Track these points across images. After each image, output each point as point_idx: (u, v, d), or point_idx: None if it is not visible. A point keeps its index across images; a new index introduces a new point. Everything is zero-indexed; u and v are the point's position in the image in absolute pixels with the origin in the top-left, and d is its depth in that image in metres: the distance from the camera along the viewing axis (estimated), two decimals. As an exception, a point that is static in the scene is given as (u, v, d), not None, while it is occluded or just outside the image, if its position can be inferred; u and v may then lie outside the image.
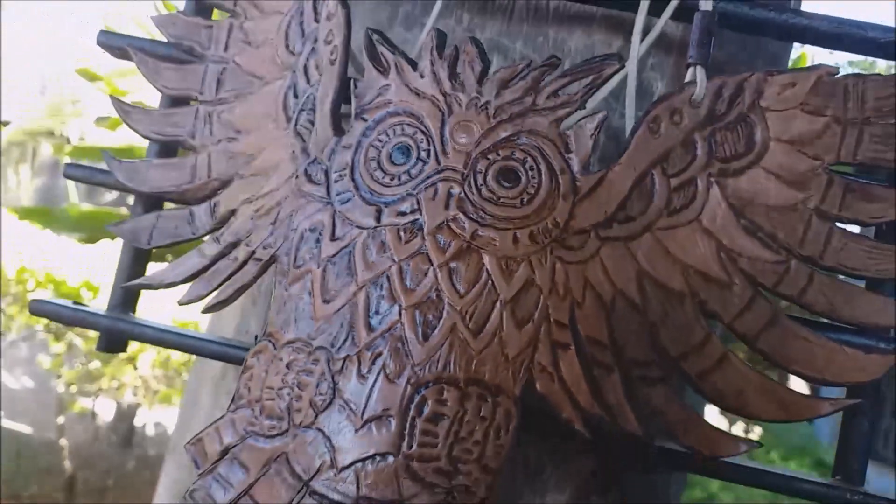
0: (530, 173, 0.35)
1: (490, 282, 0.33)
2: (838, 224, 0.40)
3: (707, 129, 0.38)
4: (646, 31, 0.41)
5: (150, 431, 3.85)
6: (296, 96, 0.40)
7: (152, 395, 2.85)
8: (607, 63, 0.35)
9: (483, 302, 0.33)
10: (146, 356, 2.75)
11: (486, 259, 0.33)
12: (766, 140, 0.38)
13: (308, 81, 0.40)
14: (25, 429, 3.50)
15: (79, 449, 3.23)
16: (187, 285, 0.40)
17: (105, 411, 3.50)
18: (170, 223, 0.42)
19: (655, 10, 0.41)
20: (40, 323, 2.78)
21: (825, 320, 0.39)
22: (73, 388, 2.90)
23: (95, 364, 2.76)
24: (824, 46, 0.46)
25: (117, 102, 0.45)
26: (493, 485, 0.32)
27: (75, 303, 0.46)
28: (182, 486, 0.55)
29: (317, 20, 0.41)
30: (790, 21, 0.43)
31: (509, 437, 0.33)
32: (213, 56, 0.44)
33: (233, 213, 0.40)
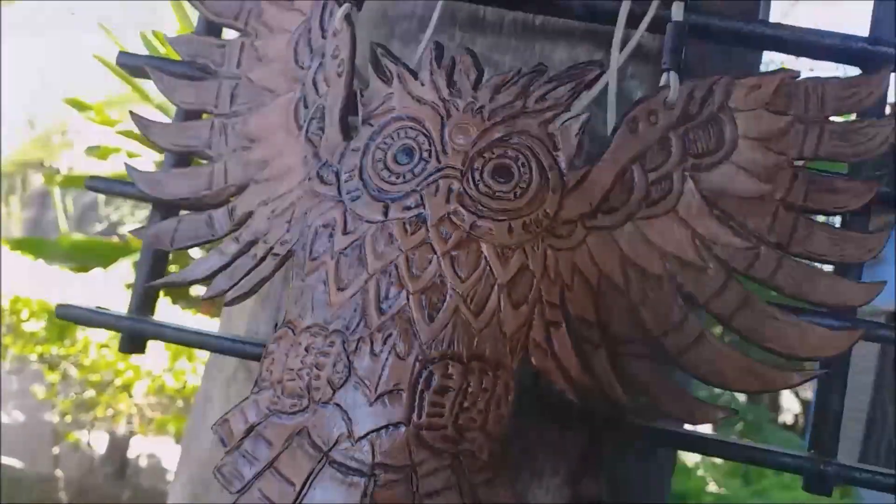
0: (522, 170, 0.38)
1: (488, 268, 0.37)
2: (807, 214, 0.43)
3: (681, 128, 0.41)
4: (624, 43, 0.45)
5: (144, 463, 3.84)
6: (306, 107, 0.44)
7: (147, 424, 2.86)
8: (588, 69, 0.39)
9: (482, 286, 0.37)
10: (141, 384, 2.77)
11: (485, 248, 0.37)
12: (735, 138, 0.42)
13: (317, 93, 0.43)
14: (18, 463, 3.49)
15: (74, 481, 3.23)
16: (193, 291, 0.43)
17: (99, 443, 3.50)
18: (190, 226, 0.45)
19: (633, 23, 0.45)
20: (34, 353, 2.80)
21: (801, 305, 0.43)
22: (68, 419, 2.90)
23: (90, 393, 2.77)
24: (787, 53, 0.50)
25: (137, 117, 0.48)
26: (494, 450, 0.35)
27: (98, 307, 0.49)
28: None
29: (324, 37, 0.44)
30: (755, 31, 0.47)
31: (509, 406, 0.36)
32: (226, 72, 0.47)
33: (250, 214, 0.43)
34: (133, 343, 0.49)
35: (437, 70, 0.39)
